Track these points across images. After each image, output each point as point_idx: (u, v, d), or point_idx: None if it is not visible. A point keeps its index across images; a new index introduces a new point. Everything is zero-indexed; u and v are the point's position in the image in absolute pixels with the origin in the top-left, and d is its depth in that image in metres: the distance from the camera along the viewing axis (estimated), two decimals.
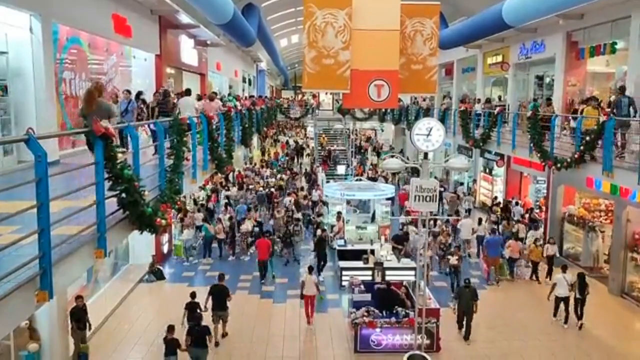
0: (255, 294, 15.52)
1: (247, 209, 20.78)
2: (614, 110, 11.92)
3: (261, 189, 25.12)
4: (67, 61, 12.10)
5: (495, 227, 18.28)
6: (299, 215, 20.71)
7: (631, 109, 11.86)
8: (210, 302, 12.23)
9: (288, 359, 11.87)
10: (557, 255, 16.86)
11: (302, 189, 26.30)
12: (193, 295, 12.37)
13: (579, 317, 13.11)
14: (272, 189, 25.09)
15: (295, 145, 45.03)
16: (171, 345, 10.46)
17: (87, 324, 11.26)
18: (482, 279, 16.40)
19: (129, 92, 11.69)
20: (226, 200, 22.77)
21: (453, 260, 15.18)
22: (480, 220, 19.10)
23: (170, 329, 10.65)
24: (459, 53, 26.71)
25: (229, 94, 24.03)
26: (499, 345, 12.47)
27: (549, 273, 16.12)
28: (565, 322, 13.25)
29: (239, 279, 16.41)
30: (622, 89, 12.65)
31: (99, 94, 7.65)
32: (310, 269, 13.97)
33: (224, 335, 12.63)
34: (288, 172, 31.15)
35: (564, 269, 13.56)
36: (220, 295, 12.34)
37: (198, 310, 11.83)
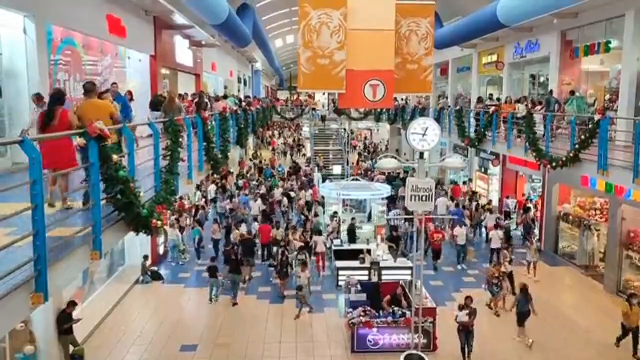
0: (252, 294, 15.50)
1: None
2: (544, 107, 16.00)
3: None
4: (61, 62, 12.03)
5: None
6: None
7: (557, 106, 15.94)
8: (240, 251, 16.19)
9: (285, 359, 11.87)
10: None
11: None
12: (227, 249, 16.74)
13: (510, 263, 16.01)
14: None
15: (293, 142, 45.35)
16: (212, 270, 14.85)
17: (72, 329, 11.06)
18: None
19: (40, 97, 8.44)
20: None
21: (463, 316, 11.51)
22: (452, 198, 22.75)
23: (213, 259, 15.81)
24: (454, 53, 26.75)
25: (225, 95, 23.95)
26: (493, 344, 12.51)
27: None
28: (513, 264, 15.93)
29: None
30: (551, 92, 16.96)
31: (176, 98, 11.60)
32: (319, 232, 17.69)
33: (251, 279, 16.23)
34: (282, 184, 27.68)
35: (497, 227, 17.62)
36: (248, 246, 16.58)
37: (233, 257, 15.23)
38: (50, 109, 6.34)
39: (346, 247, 17.60)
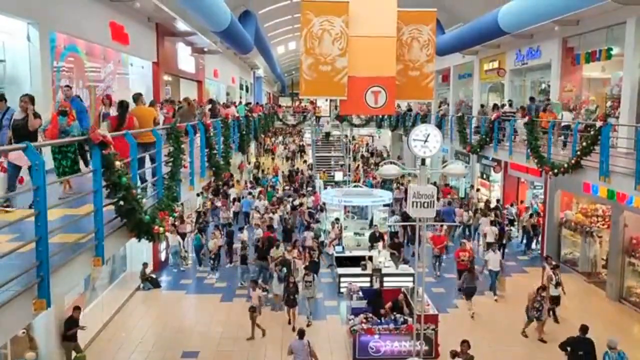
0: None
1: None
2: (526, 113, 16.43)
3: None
4: (64, 69, 12.08)
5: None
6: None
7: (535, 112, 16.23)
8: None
9: None
10: None
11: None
12: (263, 238, 17.02)
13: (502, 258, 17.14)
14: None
15: (297, 147, 45.76)
16: (243, 258, 16.37)
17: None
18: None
19: (2, 98, 7.25)
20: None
21: None
22: (439, 198, 21.70)
23: (243, 248, 16.63)
24: (455, 59, 26.81)
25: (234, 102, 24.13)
26: (494, 352, 12.46)
27: None
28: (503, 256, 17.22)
29: (237, 286, 16.38)
30: (532, 99, 17.82)
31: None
32: (309, 228, 18.94)
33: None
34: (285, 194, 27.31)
35: (492, 223, 18.53)
36: (268, 244, 16.61)
37: (260, 246, 16.39)
38: (121, 115, 8.08)
39: (347, 253, 17.58)
